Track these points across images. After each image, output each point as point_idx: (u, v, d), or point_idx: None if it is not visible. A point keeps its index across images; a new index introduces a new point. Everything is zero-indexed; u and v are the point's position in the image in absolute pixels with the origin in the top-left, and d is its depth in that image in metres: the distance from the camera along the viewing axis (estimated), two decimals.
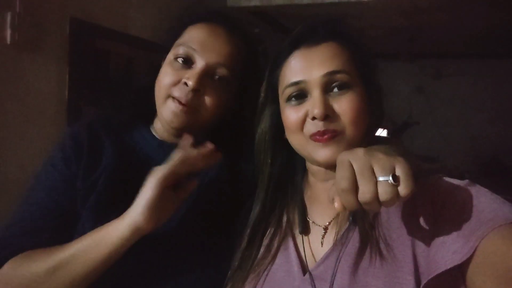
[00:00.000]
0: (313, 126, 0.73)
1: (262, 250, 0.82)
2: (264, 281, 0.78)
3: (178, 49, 0.88)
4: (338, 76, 0.73)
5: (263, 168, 0.86)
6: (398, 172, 0.55)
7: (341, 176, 0.57)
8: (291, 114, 0.76)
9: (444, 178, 0.69)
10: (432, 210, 0.66)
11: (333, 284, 0.70)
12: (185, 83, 0.85)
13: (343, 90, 0.73)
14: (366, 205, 0.56)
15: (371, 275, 0.67)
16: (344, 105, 0.73)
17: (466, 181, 0.69)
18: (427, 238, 0.65)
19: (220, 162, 0.86)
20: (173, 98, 0.86)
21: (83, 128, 0.90)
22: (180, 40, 0.91)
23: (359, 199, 0.56)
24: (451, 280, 0.61)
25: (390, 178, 0.55)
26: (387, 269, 0.66)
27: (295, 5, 2.41)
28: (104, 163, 0.86)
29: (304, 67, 0.75)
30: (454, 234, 0.61)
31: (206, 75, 0.87)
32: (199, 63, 0.87)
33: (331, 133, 0.72)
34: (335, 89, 0.74)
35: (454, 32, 3.05)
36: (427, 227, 0.66)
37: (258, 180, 0.87)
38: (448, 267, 0.59)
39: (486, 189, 0.66)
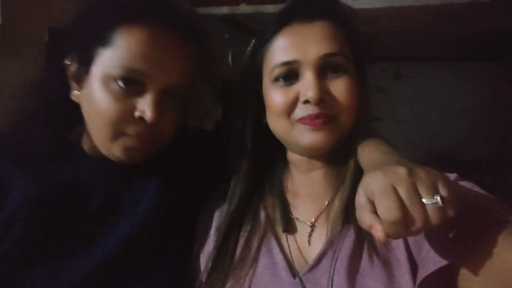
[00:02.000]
0: (303, 110, 0.67)
1: (239, 250, 0.73)
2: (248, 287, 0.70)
3: (115, 70, 0.69)
4: (335, 58, 0.68)
5: (242, 157, 0.77)
6: (443, 191, 0.49)
7: (389, 207, 0.48)
8: (278, 96, 0.69)
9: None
10: None
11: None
12: (140, 117, 0.70)
13: (338, 74, 0.68)
14: (415, 232, 0.50)
15: (370, 277, 0.63)
16: (340, 88, 0.67)
17: (455, 175, 0.66)
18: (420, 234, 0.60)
19: (159, 181, 0.77)
20: (127, 134, 0.72)
21: None
22: (113, 52, 0.70)
23: (412, 228, 0.49)
24: (446, 278, 0.58)
25: (439, 200, 0.49)
26: (385, 269, 0.62)
27: (261, 13, 2.59)
28: (16, 200, 0.68)
29: (297, 46, 0.68)
30: (448, 231, 0.58)
31: (162, 100, 0.72)
32: (152, 89, 0.70)
33: (325, 117, 0.66)
34: (329, 72, 0.68)
35: (410, 38, 3.28)
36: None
37: (234, 170, 0.78)
38: (441, 265, 0.56)
39: (475, 185, 0.63)
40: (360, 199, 0.52)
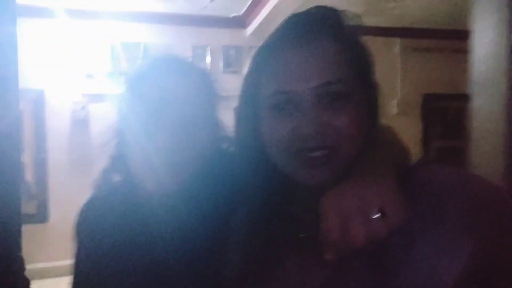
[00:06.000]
0: (301, 142, 0.62)
1: (257, 268, 0.72)
2: None
3: None
4: (334, 86, 0.61)
5: (248, 181, 0.74)
6: (387, 204, 0.53)
7: (330, 228, 0.54)
8: (275, 128, 0.64)
9: (436, 167, 0.61)
10: (431, 205, 0.57)
11: None
12: None
13: (340, 102, 0.61)
14: (360, 246, 0.53)
15: None
16: (340, 118, 0.61)
17: (460, 169, 0.62)
18: (431, 239, 0.56)
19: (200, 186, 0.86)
20: None
21: (84, 206, 0.96)
22: None
23: (352, 244, 0.53)
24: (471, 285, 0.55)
25: (379, 214, 0.53)
26: (393, 283, 0.58)
27: None
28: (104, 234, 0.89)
29: (294, 73, 0.62)
30: (462, 233, 0.54)
31: None
32: None
33: (324, 149, 0.61)
34: (330, 100, 0.62)
35: None
36: (428, 226, 0.57)
37: (244, 194, 0.76)
38: (462, 273, 0.53)
39: (483, 177, 0.60)
40: None
